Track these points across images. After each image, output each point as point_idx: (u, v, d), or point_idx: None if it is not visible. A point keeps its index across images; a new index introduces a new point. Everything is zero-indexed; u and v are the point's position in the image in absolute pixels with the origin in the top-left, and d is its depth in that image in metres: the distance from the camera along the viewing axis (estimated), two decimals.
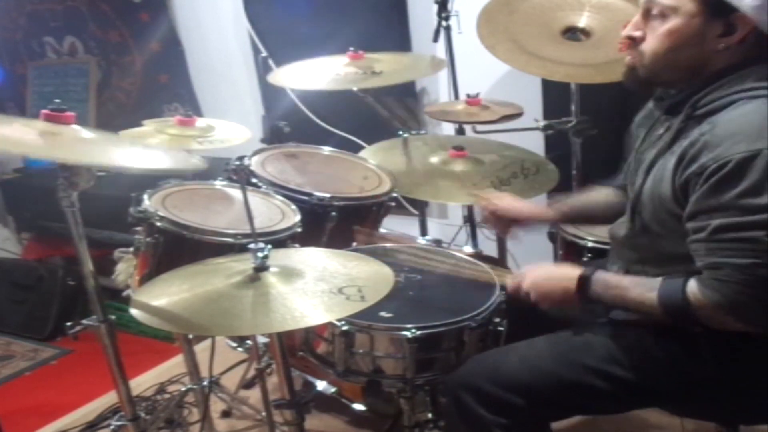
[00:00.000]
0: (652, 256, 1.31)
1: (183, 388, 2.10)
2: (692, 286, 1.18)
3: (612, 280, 1.30)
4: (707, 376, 1.25)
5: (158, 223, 1.59)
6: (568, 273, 1.33)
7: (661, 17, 1.20)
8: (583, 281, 1.30)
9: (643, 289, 1.24)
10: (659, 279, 1.23)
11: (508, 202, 1.68)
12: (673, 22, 1.19)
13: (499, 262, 2.38)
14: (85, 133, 1.32)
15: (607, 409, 1.40)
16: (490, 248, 2.49)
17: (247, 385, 2.34)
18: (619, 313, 1.35)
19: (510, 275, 1.44)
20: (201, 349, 2.06)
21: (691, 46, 1.19)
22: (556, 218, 1.67)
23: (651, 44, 1.23)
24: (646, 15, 1.23)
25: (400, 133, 2.24)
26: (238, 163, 1.58)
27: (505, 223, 1.68)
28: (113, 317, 1.48)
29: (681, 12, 1.17)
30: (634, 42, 1.26)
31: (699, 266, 1.17)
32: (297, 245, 1.63)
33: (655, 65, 1.23)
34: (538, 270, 1.39)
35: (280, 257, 1.30)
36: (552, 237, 2.02)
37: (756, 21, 1.13)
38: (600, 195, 1.62)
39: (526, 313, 1.57)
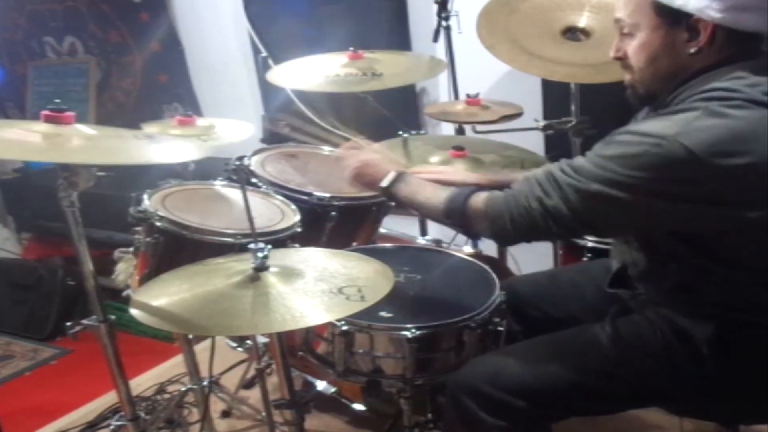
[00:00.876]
0: (644, 255, 1.32)
1: (183, 388, 2.10)
2: (480, 196, 1.30)
3: (417, 180, 1.43)
4: (708, 377, 1.25)
5: (158, 223, 1.59)
6: (391, 166, 1.46)
7: (630, 35, 1.24)
8: (394, 176, 1.42)
9: (439, 190, 1.38)
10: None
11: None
12: (640, 38, 1.22)
13: (499, 262, 2.38)
14: (88, 131, 1.32)
15: (609, 409, 1.40)
16: (490, 248, 2.48)
17: (247, 385, 2.34)
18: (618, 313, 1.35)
19: (355, 143, 1.60)
20: (201, 349, 2.06)
21: (666, 56, 1.21)
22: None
23: (633, 62, 1.26)
24: (622, 34, 1.27)
25: (400, 133, 2.24)
26: (238, 163, 1.58)
27: None
28: (113, 317, 1.48)
29: (643, 27, 1.21)
30: (622, 61, 1.29)
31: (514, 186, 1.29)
32: (297, 245, 1.63)
33: (644, 80, 1.27)
34: (374, 153, 1.52)
35: (280, 257, 1.30)
36: None
37: (712, 19, 1.14)
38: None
39: (527, 314, 1.58)
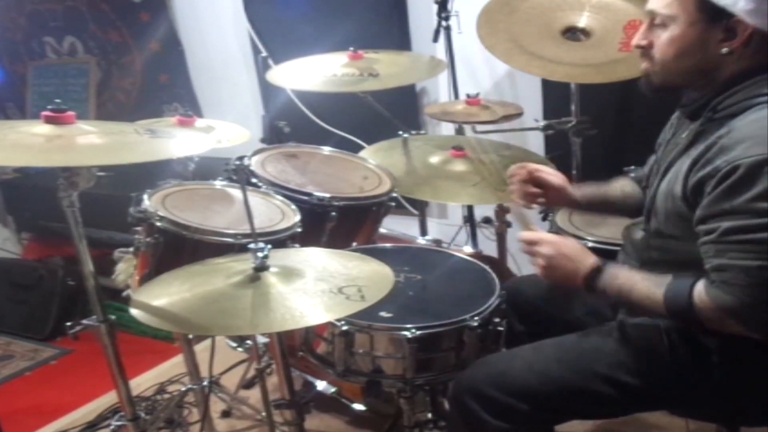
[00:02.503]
0: (664, 260, 1.31)
1: (183, 388, 2.10)
2: (699, 287, 1.17)
3: (622, 272, 1.28)
4: (714, 383, 1.25)
5: (158, 223, 1.59)
6: (587, 256, 1.31)
7: (663, 26, 1.22)
8: (596, 267, 1.28)
9: (651, 284, 1.23)
10: (669, 277, 1.22)
11: (547, 171, 1.59)
12: (673, 31, 1.21)
13: (499, 262, 2.39)
14: (90, 129, 1.32)
15: (613, 413, 1.40)
16: (490, 248, 2.49)
17: (247, 385, 2.34)
18: (625, 317, 1.35)
19: (534, 229, 1.39)
20: (201, 349, 2.06)
21: (696, 53, 1.20)
22: (577, 200, 1.61)
23: (658, 53, 1.25)
24: (651, 24, 1.26)
25: (400, 133, 2.24)
26: (238, 163, 1.58)
27: (533, 194, 1.60)
28: (113, 317, 1.48)
29: (680, 20, 1.19)
30: (644, 50, 1.28)
31: (707, 268, 1.17)
32: (297, 245, 1.63)
33: (666, 73, 1.25)
34: (563, 243, 1.34)
35: (280, 257, 1.30)
36: None
37: (754, 24, 1.14)
38: (617, 186, 1.61)
39: (531, 315, 1.57)
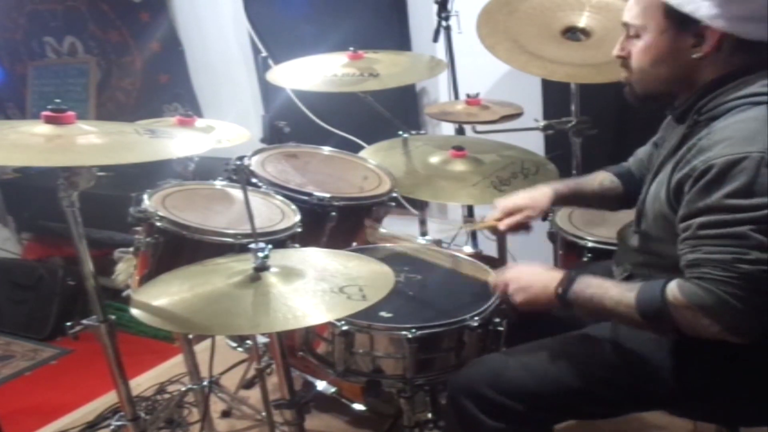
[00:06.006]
0: (656, 261, 1.31)
1: (183, 388, 2.10)
2: (672, 286, 1.16)
3: (594, 281, 1.27)
4: (709, 382, 1.25)
5: (158, 223, 1.59)
6: (553, 272, 1.33)
7: (636, 36, 1.25)
8: (565, 278, 1.29)
9: (623, 288, 1.23)
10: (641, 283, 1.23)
11: (508, 221, 1.61)
12: (645, 40, 1.24)
13: (499, 262, 2.38)
14: (90, 129, 1.32)
15: (609, 413, 1.40)
16: (490, 248, 2.48)
17: (247, 385, 2.34)
18: None
19: (495, 271, 1.44)
20: (201, 349, 2.06)
21: (670, 60, 1.22)
22: (554, 201, 1.62)
23: (635, 62, 1.27)
24: (627, 35, 1.28)
25: (400, 133, 2.24)
26: (238, 163, 1.58)
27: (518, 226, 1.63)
28: (113, 317, 1.48)
29: (650, 29, 1.22)
30: (623, 60, 1.31)
31: (682, 265, 1.17)
32: (297, 245, 1.63)
33: (643, 81, 1.28)
34: (525, 265, 1.39)
35: (280, 257, 1.30)
36: (552, 237, 2.02)
37: (720, 28, 1.15)
38: (595, 180, 1.63)
39: (531, 315, 1.58)
